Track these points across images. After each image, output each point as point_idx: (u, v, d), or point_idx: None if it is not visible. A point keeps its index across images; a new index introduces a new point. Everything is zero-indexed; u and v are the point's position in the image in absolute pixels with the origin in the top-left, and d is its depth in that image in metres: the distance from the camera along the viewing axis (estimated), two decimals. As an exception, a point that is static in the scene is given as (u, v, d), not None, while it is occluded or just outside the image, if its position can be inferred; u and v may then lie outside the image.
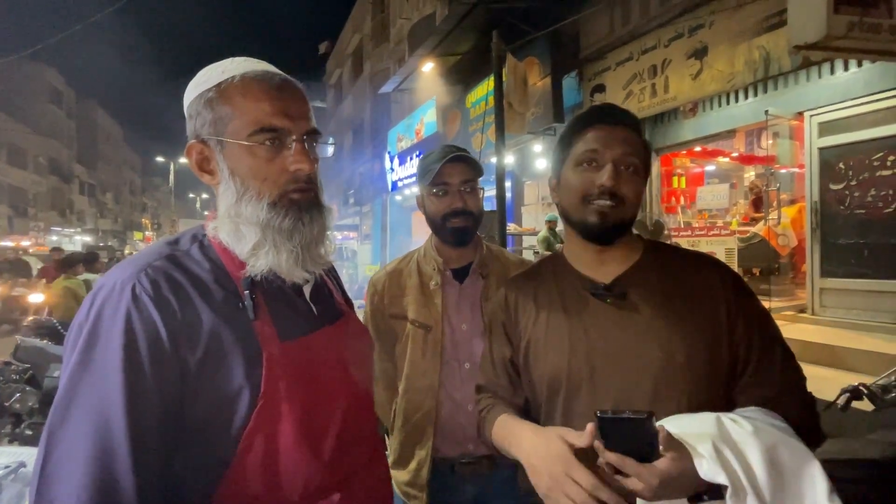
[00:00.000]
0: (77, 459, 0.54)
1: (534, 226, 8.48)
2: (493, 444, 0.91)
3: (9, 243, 20.03)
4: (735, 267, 4.00)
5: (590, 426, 0.69)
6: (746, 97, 4.64)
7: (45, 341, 3.89)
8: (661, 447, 0.64)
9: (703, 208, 6.47)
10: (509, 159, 6.98)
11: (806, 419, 0.77)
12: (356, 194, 15.26)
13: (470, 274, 1.26)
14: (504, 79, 4.47)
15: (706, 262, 0.87)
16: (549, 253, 7.26)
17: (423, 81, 8.18)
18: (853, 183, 3.95)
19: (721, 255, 4.45)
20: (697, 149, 6.09)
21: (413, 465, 1.20)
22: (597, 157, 0.82)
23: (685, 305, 0.81)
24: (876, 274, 3.71)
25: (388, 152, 10.96)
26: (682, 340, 0.78)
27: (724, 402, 0.79)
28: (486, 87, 5.61)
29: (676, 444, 0.65)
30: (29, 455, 0.79)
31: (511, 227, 7.52)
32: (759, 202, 5.96)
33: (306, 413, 0.67)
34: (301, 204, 0.70)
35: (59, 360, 3.35)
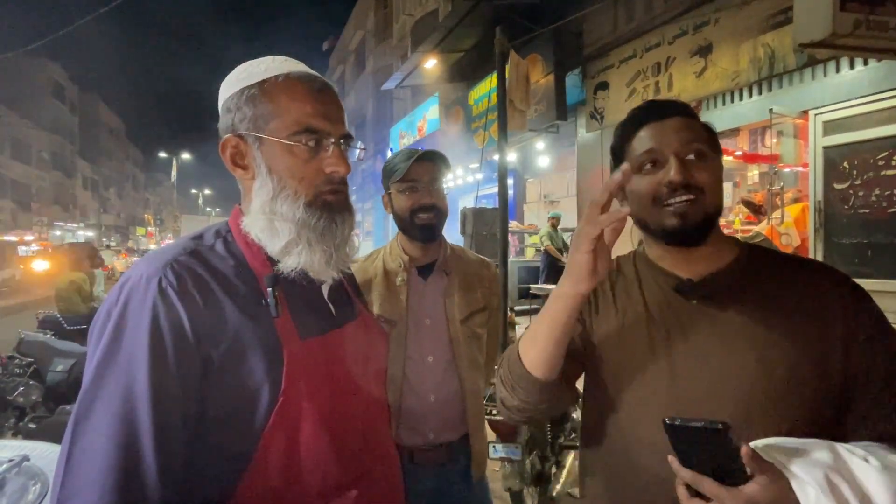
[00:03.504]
0: (102, 448, 0.55)
1: (536, 223, 8.47)
2: (521, 362, 0.76)
3: (12, 238, 20.14)
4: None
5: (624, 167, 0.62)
6: (751, 95, 4.61)
7: (48, 335, 3.92)
8: (747, 469, 0.54)
9: (706, 207, 6.43)
10: (512, 157, 6.97)
11: None
12: (358, 191, 15.25)
13: (434, 271, 1.31)
14: (507, 76, 4.45)
15: (820, 270, 0.75)
16: (551, 248, 7.25)
17: (425, 78, 8.16)
18: (857, 182, 3.93)
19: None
20: (701, 147, 6.05)
21: None
22: (656, 156, 0.74)
23: (789, 316, 0.69)
24: (879, 274, 3.69)
25: (391, 149, 10.96)
26: (783, 353, 0.67)
27: (831, 433, 0.66)
28: (489, 84, 5.59)
29: (770, 468, 0.55)
30: (32, 449, 0.80)
31: (513, 225, 7.51)
32: (757, 213, 5.94)
33: (326, 410, 0.68)
34: (334, 205, 0.72)
35: (63, 355, 3.39)
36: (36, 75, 28.79)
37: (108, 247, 23.94)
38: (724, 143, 6.65)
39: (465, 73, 7.57)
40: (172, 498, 0.57)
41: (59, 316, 4.63)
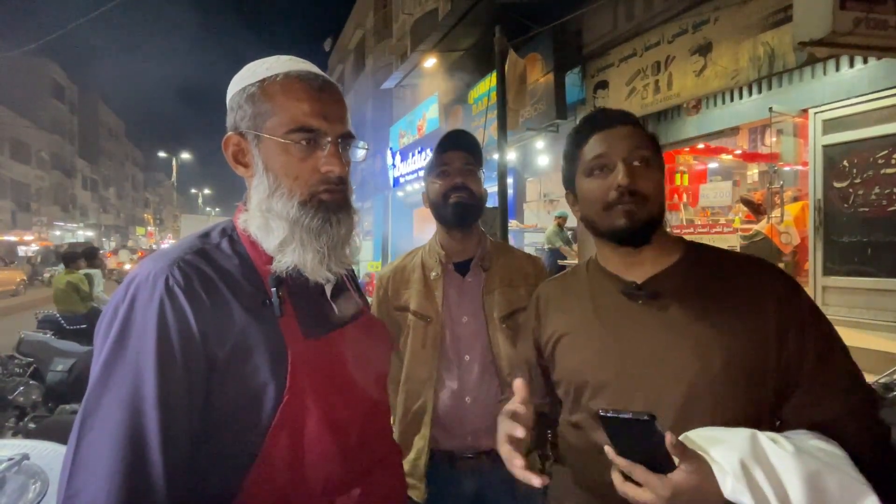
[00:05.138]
0: (109, 445, 0.55)
1: (535, 222, 8.47)
2: None
3: (12, 238, 20.15)
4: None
5: (517, 383, 0.73)
6: (750, 94, 4.61)
7: (48, 334, 3.92)
8: (675, 458, 0.58)
9: (706, 206, 6.44)
10: (511, 156, 6.96)
11: (872, 449, 0.66)
12: (358, 190, 15.21)
13: (472, 268, 1.27)
14: (506, 75, 4.45)
15: (755, 266, 0.80)
16: (565, 249, 7.26)
17: (425, 77, 8.16)
18: (857, 181, 3.93)
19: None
20: (700, 146, 6.06)
21: (412, 454, 1.21)
22: (606, 162, 0.79)
23: (726, 310, 0.74)
24: (879, 272, 3.69)
25: (391, 148, 10.93)
26: (720, 347, 0.72)
27: (771, 422, 0.72)
28: (489, 83, 5.58)
29: (695, 456, 0.60)
30: (32, 448, 0.80)
31: (513, 224, 7.51)
32: (756, 212, 5.93)
33: (329, 409, 0.68)
34: (330, 205, 0.71)
35: (63, 354, 3.38)
36: (36, 75, 28.75)
37: (125, 247, 23.96)
38: (724, 142, 6.65)
39: (465, 72, 7.56)
40: (178, 494, 0.58)
41: (57, 315, 4.63)
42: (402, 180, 10.23)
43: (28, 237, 21.95)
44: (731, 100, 4.81)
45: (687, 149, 6.11)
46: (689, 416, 0.70)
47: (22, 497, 0.68)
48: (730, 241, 4.76)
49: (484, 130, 5.71)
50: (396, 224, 12.20)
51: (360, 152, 0.78)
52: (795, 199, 5.76)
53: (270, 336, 0.65)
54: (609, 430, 0.61)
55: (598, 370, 0.79)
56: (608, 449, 0.62)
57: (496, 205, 4.10)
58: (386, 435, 0.82)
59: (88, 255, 5.50)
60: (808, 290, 4.28)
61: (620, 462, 0.61)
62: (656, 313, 0.77)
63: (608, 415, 0.59)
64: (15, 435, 2.83)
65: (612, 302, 0.82)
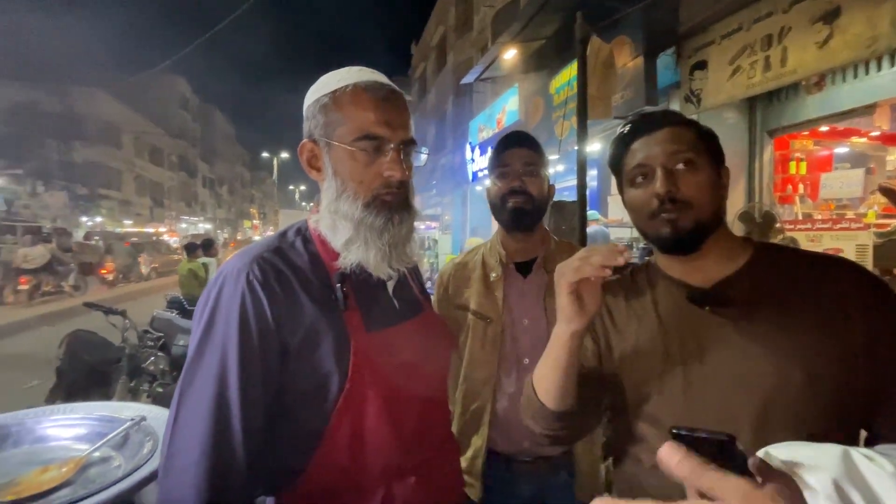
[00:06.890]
0: (201, 414, 0.65)
1: (621, 217, 7.97)
2: (535, 394, 0.81)
3: (150, 230, 23.81)
4: (869, 267, 3.41)
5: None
6: (892, 65, 3.88)
7: (174, 313, 4.57)
8: (757, 478, 0.55)
9: (829, 198, 5.57)
10: (596, 146, 6.61)
11: None
12: (438, 185, 15.56)
13: (534, 269, 1.24)
14: (588, 62, 4.22)
15: (837, 266, 0.73)
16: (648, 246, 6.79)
17: (505, 70, 8.04)
18: None
19: (850, 253, 3.81)
20: (824, 128, 5.24)
21: (469, 453, 1.21)
22: (646, 170, 0.77)
23: (807, 316, 0.69)
24: None
25: (470, 143, 10.98)
26: (801, 356, 0.66)
27: (856, 436, 0.68)
28: (570, 72, 5.33)
29: (780, 476, 0.54)
30: (149, 411, 0.95)
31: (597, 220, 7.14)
32: None
33: (388, 399, 0.73)
34: (392, 205, 0.76)
35: (185, 331, 3.92)
36: (168, 89, 33.46)
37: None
38: (857, 123, 5.68)
39: (546, 61, 7.33)
40: (253, 461, 0.66)
41: (181, 298, 5.38)
42: (480, 174, 10.24)
43: (162, 229, 25.77)
44: (866, 73, 4.09)
45: (805, 132, 5.33)
46: (766, 430, 0.65)
47: (138, 453, 0.81)
48: (859, 239, 4.07)
49: (564, 121, 5.49)
50: (475, 218, 12.25)
51: (422, 157, 0.83)
52: (953, 189, 4.74)
53: (336, 328, 0.71)
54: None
55: (663, 383, 0.75)
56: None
57: (575, 199, 3.93)
58: (442, 428, 0.84)
59: (206, 245, 6.30)
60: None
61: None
62: (727, 321, 0.72)
63: (680, 433, 0.55)
64: (148, 397, 3.38)
65: (677, 309, 0.78)
